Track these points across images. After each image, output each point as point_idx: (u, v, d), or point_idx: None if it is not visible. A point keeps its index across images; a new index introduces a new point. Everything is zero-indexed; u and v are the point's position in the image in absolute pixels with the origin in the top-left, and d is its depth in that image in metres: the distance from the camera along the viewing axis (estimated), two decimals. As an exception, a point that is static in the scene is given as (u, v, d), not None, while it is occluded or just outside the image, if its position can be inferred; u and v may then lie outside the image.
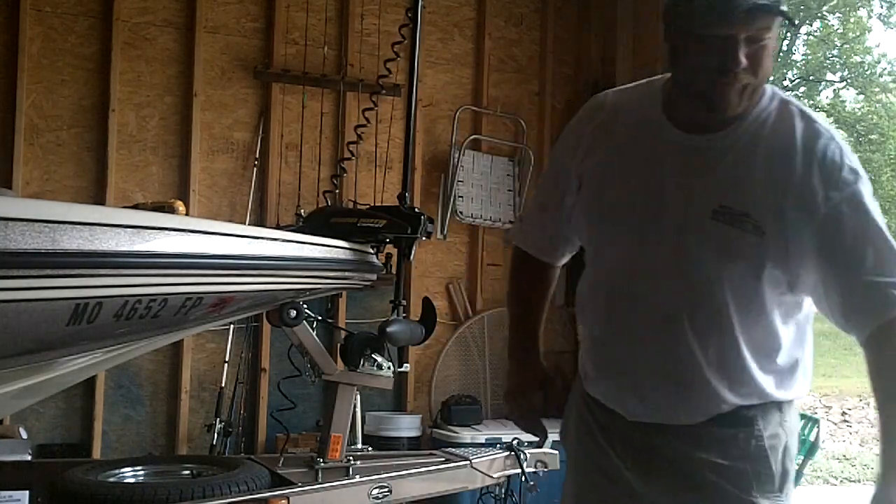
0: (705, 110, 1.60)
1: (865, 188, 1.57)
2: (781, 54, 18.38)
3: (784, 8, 1.52)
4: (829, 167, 1.56)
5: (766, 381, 1.63)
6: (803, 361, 1.68)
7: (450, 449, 3.23)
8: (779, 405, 1.66)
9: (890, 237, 1.56)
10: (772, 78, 1.65)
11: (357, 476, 2.67)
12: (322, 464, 2.72)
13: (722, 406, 1.62)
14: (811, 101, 17.40)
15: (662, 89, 1.69)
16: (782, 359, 1.64)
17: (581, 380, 1.80)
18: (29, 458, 3.52)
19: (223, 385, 4.40)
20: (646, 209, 1.64)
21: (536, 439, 2.01)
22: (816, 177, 1.55)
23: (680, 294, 1.61)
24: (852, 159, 1.59)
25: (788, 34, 15.87)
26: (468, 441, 4.37)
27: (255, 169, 4.60)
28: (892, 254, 1.55)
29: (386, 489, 2.63)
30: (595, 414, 1.75)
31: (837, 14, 17.25)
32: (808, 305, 1.66)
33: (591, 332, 1.77)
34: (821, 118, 1.66)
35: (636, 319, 1.65)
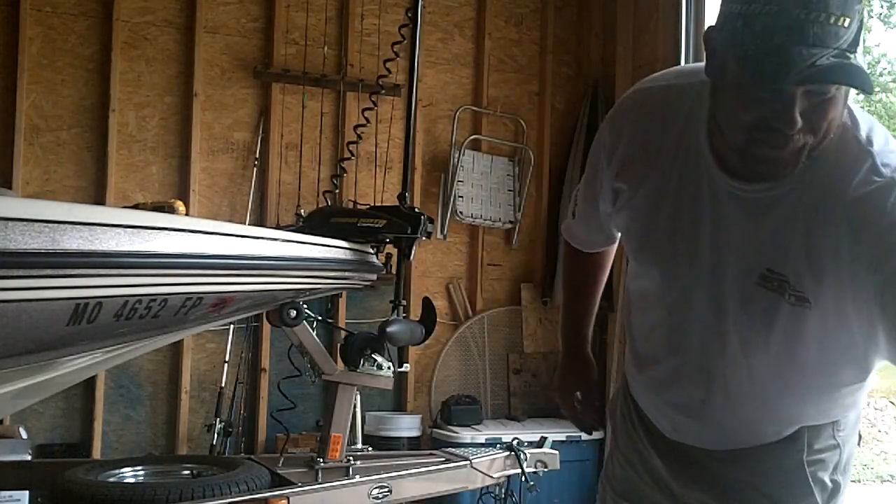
0: (745, 170, 1.33)
1: None
2: (781, 54, 18.33)
3: (859, 68, 1.15)
4: (891, 224, 1.26)
5: (814, 419, 1.53)
6: (864, 387, 1.53)
7: (450, 449, 3.23)
8: (832, 421, 1.55)
9: None
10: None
11: (357, 476, 2.67)
12: (322, 464, 2.72)
13: (761, 441, 1.55)
14: (811, 101, 17.36)
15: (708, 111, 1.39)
16: (836, 405, 1.53)
17: (626, 371, 1.76)
18: (29, 458, 3.52)
19: (223, 385, 4.40)
20: (682, 257, 1.46)
21: (587, 434, 1.99)
22: (872, 239, 1.26)
23: (718, 356, 1.48)
24: None
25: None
26: (468, 441, 4.38)
27: (255, 169, 4.60)
28: None
29: (386, 489, 2.62)
30: (639, 412, 1.70)
31: (837, 14, 17.27)
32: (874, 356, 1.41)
33: (635, 342, 1.70)
34: (891, 150, 1.32)
35: (674, 365, 1.57)
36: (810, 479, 1.52)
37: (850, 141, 1.32)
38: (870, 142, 1.32)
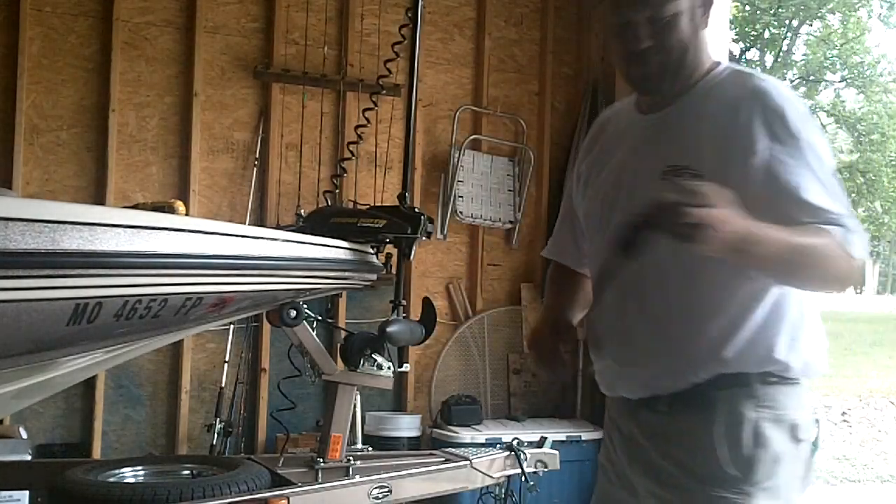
0: (640, 92, 1.75)
1: (809, 137, 1.58)
2: (781, 54, 18.38)
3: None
4: (772, 117, 1.58)
5: (720, 349, 1.62)
6: (784, 331, 1.64)
7: (450, 449, 3.23)
8: (749, 386, 1.62)
9: (831, 183, 1.57)
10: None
11: (357, 476, 2.67)
12: (322, 464, 2.72)
13: (678, 373, 1.64)
14: (811, 101, 17.40)
15: None
16: (740, 324, 1.62)
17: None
18: (29, 458, 3.52)
19: (223, 385, 4.40)
20: (610, 192, 1.76)
21: (563, 380, 2.08)
22: (759, 126, 1.57)
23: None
24: (798, 107, 1.61)
25: (789, 34, 15.87)
26: (468, 441, 4.37)
27: (255, 169, 4.60)
28: (833, 199, 1.55)
29: (386, 489, 2.63)
30: (608, 407, 1.85)
31: (837, 14, 17.27)
32: None
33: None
34: (773, 80, 1.70)
35: (602, 298, 1.67)
36: (727, 452, 1.60)
37: (742, 72, 1.71)
38: (754, 73, 1.71)
